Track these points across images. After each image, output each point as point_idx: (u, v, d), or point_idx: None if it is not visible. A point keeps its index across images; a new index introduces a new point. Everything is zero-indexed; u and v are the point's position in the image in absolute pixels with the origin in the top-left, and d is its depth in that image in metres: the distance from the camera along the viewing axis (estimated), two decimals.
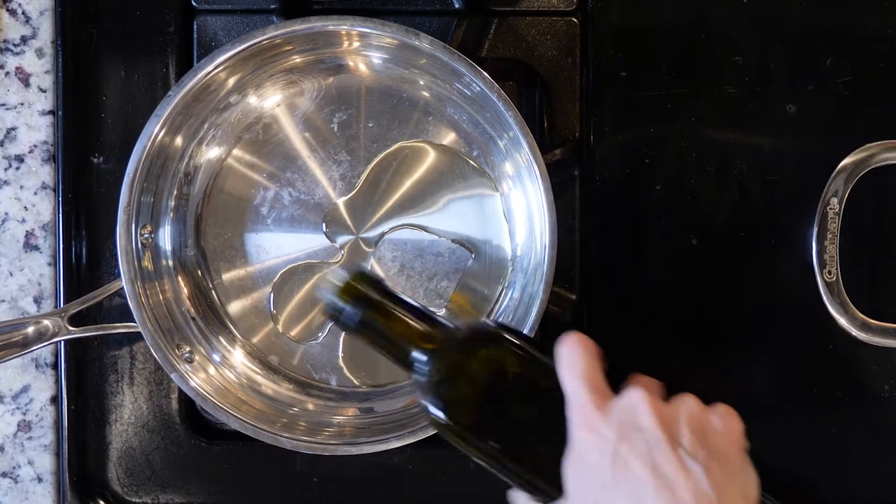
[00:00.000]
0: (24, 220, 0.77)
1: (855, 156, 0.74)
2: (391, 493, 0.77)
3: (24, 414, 0.77)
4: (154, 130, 0.69)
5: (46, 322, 0.70)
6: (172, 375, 0.70)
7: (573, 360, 0.57)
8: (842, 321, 0.74)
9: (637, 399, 0.55)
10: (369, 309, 0.60)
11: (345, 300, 0.60)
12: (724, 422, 0.56)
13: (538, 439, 0.58)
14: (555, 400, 0.57)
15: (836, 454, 0.76)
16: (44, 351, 0.77)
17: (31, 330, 0.70)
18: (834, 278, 0.74)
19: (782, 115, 0.75)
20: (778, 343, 0.76)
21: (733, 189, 0.75)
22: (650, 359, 0.76)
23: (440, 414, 0.58)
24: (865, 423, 0.76)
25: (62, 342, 0.75)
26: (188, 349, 0.73)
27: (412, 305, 0.61)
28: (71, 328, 0.70)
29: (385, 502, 0.78)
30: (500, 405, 0.59)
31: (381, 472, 0.76)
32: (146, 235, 0.72)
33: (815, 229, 0.74)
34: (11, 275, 0.77)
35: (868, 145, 0.74)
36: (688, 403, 0.56)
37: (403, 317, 0.60)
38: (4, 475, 0.78)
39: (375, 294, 0.60)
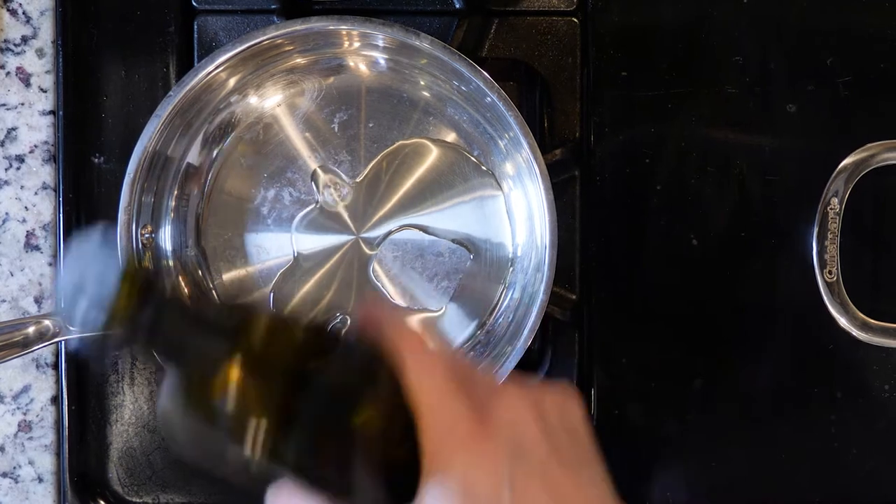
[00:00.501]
0: (24, 220, 0.77)
1: (855, 156, 0.74)
2: None
3: (25, 414, 0.78)
4: (154, 130, 0.69)
5: (47, 322, 0.70)
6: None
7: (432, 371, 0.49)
8: (842, 321, 0.74)
9: (521, 414, 0.49)
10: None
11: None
12: (575, 409, 0.52)
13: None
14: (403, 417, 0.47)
15: (836, 454, 0.76)
16: (44, 351, 0.77)
17: (31, 330, 0.70)
18: (834, 278, 0.74)
19: (782, 115, 0.75)
20: (778, 343, 0.76)
21: (733, 189, 0.75)
22: (650, 359, 0.76)
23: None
24: (865, 423, 0.76)
25: (63, 342, 0.75)
26: None
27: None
28: (72, 328, 0.70)
29: None
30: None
31: None
32: (146, 235, 0.72)
33: (816, 229, 0.74)
34: (12, 275, 0.77)
35: (869, 145, 0.74)
36: (549, 401, 0.51)
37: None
38: (5, 475, 0.78)
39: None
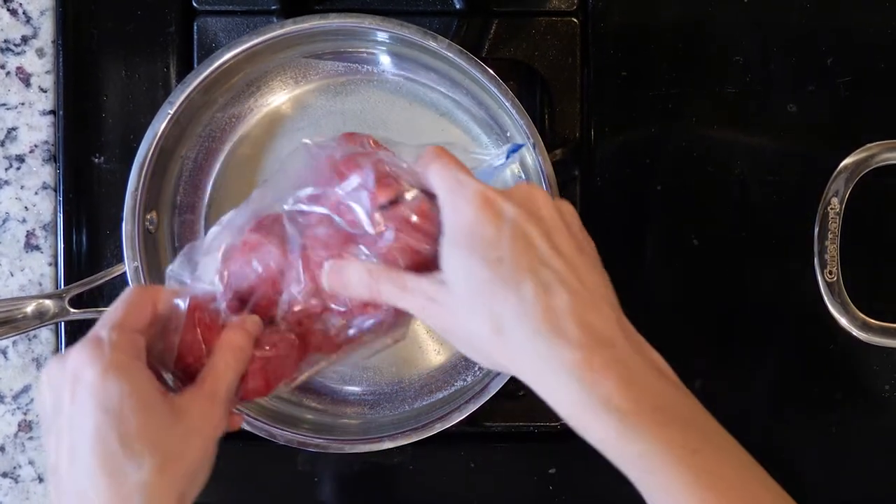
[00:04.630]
0: (24, 220, 0.77)
1: (856, 156, 0.74)
2: (391, 493, 0.77)
3: (25, 414, 0.77)
4: (168, 116, 0.69)
5: (47, 302, 0.70)
6: None
7: (449, 160, 0.56)
8: (842, 321, 0.74)
9: (535, 190, 0.55)
10: None
11: None
12: (575, 221, 0.57)
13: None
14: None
15: (836, 454, 0.76)
16: (45, 350, 0.77)
17: (30, 309, 0.69)
18: (835, 278, 0.74)
19: (782, 115, 0.75)
20: (778, 343, 0.76)
21: (734, 189, 0.75)
22: None
23: None
24: (865, 423, 0.76)
25: (62, 324, 0.74)
26: None
27: None
28: (71, 310, 0.70)
29: (385, 502, 0.78)
30: None
31: (381, 472, 0.76)
32: (151, 220, 0.72)
33: (816, 229, 0.74)
34: (12, 275, 0.77)
35: (869, 145, 0.74)
36: (566, 203, 0.56)
37: None
38: (5, 475, 0.78)
39: None
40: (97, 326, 0.55)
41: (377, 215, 0.56)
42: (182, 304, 0.57)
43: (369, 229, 0.56)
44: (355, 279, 0.56)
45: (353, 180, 0.57)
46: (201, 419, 0.54)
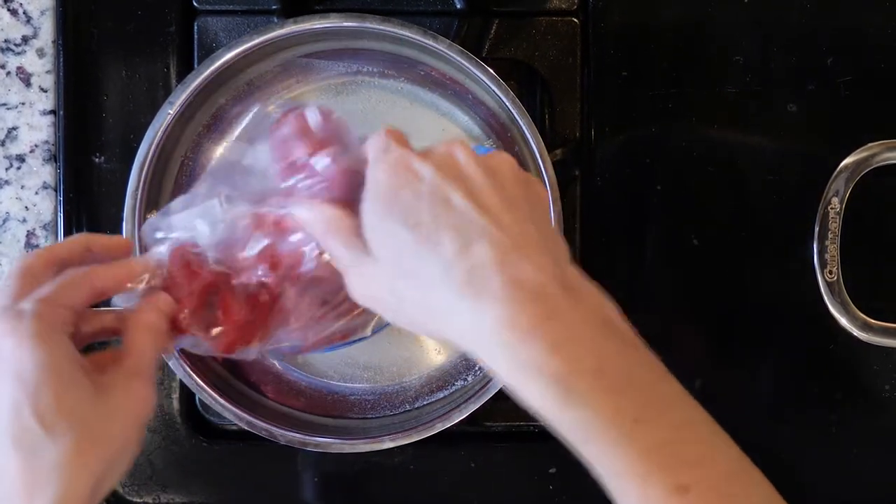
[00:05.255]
0: (25, 220, 0.77)
1: (856, 155, 0.74)
2: (391, 493, 0.77)
3: None
4: (168, 116, 0.69)
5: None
6: (171, 363, 0.70)
7: (388, 134, 0.53)
8: (843, 321, 0.74)
9: (456, 148, 0.51)
10: None
11: None
12: (538, 188, 0.53)
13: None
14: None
15: (836, 454, 0.76)
16: None
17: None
18: (835, 278, 0.74)
19: (783, 114, 0.75)
20: (779, 343, 0.76)
21: (734, 189, 0.76)
22: None
23: None
24: (865, 423, 0.76)
25: None
26: None
27: None
28: None
29: (385, 502, 0.78)
30: None
31: (381, 472, 0.76)
32: None
33: (816, 229, 0.74)
34: None
35: (869, 145, 0.74)
36: (507, 164, 0.52)
37: None
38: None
39: None
40: (24, 298, 0.51)
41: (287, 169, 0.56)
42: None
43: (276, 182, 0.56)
44: (309, 224, 0.54)
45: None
46: (125, 397, 0.52)
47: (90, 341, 0.56)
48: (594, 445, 0.47)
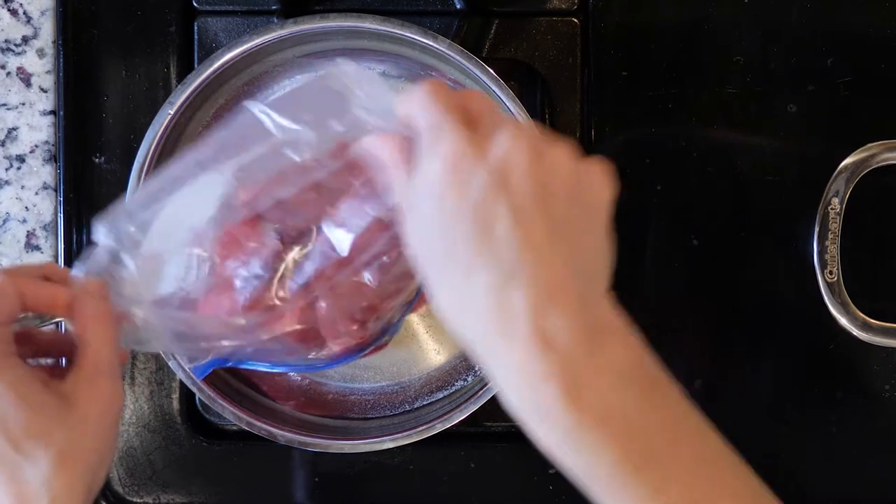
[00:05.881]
0: (25, 221, 0.77)
1: (856, 156, 0.74)
2: (391, 493, 0.77)
3: None
4: (168, 116, 0.69)
5: None
6: (170, 363, 0.70)
7: (437, 92, 0.49)
8: (843, 321, 0.74)
9: (518, 150, 0.47)
10: None
11: None
12: (596, 184, 0.50)
13: None
14: None
15: (836, 454, 0.76)
16: None
17: None
18: (835, 278, 0.74)
19: (783, 115, 0.75)
20: (779, 343, 0.76)
21: (734, 189, 0.76)
22: None
23: None
24: (865, 423, 0.76)
25: (62, 324, 0.74)
26: None
27: None
28: None
29: (385, 502, 0.78)
30: None
31: (381, 472, 0.76)
32: None
33: (816, 229, 0.74)
34: None
35: (869, 145, 0.74)
36: (565, 165, 0.48)
37: None
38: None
39: None
40: None
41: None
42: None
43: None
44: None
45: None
46: (91, 401, 0.51)
47: (41, 355, 0.56)
48: (594, 488, 0.47)
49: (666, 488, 0.46)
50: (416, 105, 0.49)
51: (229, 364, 0.62)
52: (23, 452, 0.49)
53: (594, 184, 0.50)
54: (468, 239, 0.46)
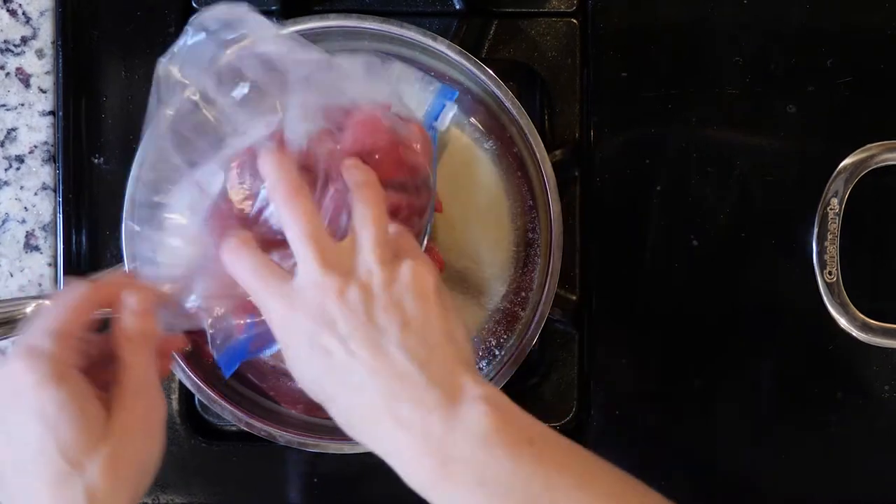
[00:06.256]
0: (24, 221, 0.77)
1: (855, 156, 0.74)
2: (390, 493, 0.77)
3: None
4: (168, 116, 0.69)
5: (47, 303, 0.69)
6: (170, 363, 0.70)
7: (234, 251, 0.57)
8: (842, 322, 0.74)
9: (318, 287, 0.54)
10: None
11: None
12: (416, 282, 0.55)
13: None
14: None
15: (836, 454, 0.76)
16: None
17: (30, 309, 0.69)
18: (834, 279, 0.74)
19: (782, 115, 0.75)
20: (778, 343, 0.76)
21: (733, 189, 0.75)
22: (650, 359, 0.76)
23: None
24: (865, 423, 0.76)
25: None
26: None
27: None
28: None
29: (385, 502, 0.78)
30: None
31: (380, 472, 0.76)
32: None
33: (816, 230, 0.74)
34: (12, 275, 0.77)
35: (868, 146, 0.74)
36: (369, 281, 0.55)
37: None
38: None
39: None
40: (34, 331, 0.55)
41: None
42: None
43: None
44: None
45: None
46: (135, 414, 0.55)
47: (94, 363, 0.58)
48: None
49: None
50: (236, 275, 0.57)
51: (254, 354, 0.63)
52: (74, 464, 0.52)
53: (417, 276, 0.55)
54: (319, 375, 0.54)
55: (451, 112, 0.66)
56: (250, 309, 0.59)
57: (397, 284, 0.54)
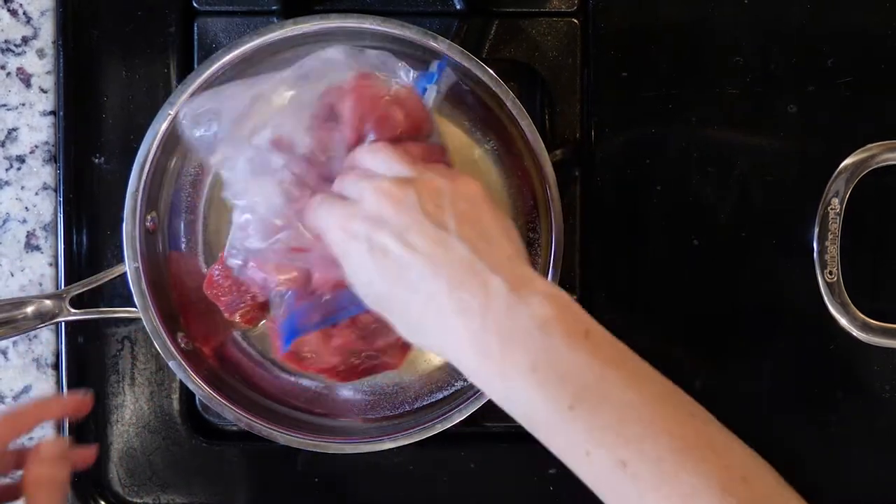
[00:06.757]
0: (25, 221, 0.77)
1: (856, 156, 0.74)
2: (391, 493, 0.77)
3: None
4: (168, 116, 0.69)
5: (48, 302, 0.70)
6: (171, 363, 0.70)
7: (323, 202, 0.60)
8: (843, 321, 0.74)
9: (380, 193, 0.56)
10: None
11: None
12: (461, 188, 0.57)
13: None
14: None
15: (836, 454, 0.76)
16: (45, 351, 0.77)
17: (31, 309, 0.69)
18: (835, 279, 0.74)
19: (783, 115, 0.75)
20: (779, 343, 0.76)
21: (734, 189, 0.76)
22: (650, 359, 0.76)
23: None
24: (865, 423, 0.76)
25: (62, 325, 0.74)
26: (187, 338, 0.73)
27: None
28: (72, 310, 0.70)
29: (385, 502, 0.78)
30: None
31: (381, 472, 0.77)
32: (152, 220, 0.72)
33: (816, 230, 0.74)
34: (12, 275, 0.77)
35: (869, 146, 0.74)
36: (423, 181, 0.57)
37: None
38: (5, 475, 0.77)
39: None
40: None
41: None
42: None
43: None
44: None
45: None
46: None
47: None
48: (540, 434, 0.54)
49: (601, 427, 0.51)
50: (308, 214, 0.60)
51: (317, 326, 0.65)
52: None
53: (461, 184, 0.58)
54: (379, 274, 0.55)
55: (433, 94, 0.66)
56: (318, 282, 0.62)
57: (448, 188, 0.56)
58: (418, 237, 0.55)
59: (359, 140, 0.62)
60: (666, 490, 0.50)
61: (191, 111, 0.64)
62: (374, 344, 0.67)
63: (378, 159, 0.59)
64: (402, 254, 0.54)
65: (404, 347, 0.68)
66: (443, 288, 0.54)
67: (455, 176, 0.58)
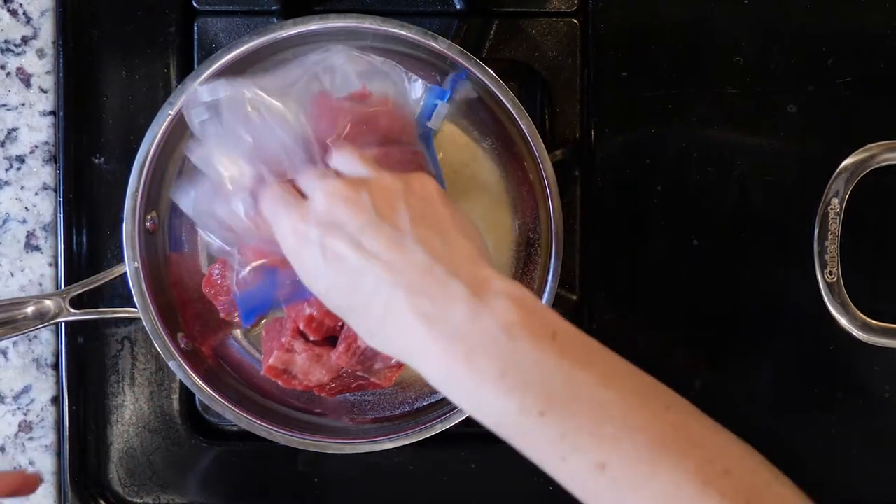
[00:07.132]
0: (24, 221, 0.77)
1: (856, 156, 0.74)
2: (391, 493, 0.77)
3: (25, 414, 0.78)
4: (168, 116, 0.69)
5: (48, 303, 0.70)
6: (171, 363, 0.70)
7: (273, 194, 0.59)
8: (843, 321, 0.74)
9: (333, 197, 0.55)
10: None
11: None
12: (416, 187, 0.56)
13: None
14: None
15: (836, 454, 0.76)
16: (45, 351, 0.77)
17: (31, 310, 0.69)
18: (835, 279, 0.74)
19: (783, 115, 0.75)
20: (779, 343, 0.76)
21: (734, 189, 0.76)
22: (650, 359, 0.76)
23: None
24: (865, 424, 0.76)
25: (62, 325, 0.74)
26: (187, 338, 0.73)
27: None
28: (72, 310, 0.70)
29: (385, 502, 0.78)
30: None
31: (381, 472, 0.77)
32: (152, 220, 0.72)
33: (816, 230, 0.74)
34: (12, 275, 0.77)
35: (869, 146, 0.74)
36: (376, 180, 0.56)
37: None
38: None
39: None
40: None
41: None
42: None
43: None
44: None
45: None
46: None
47: None
48: (515, 442, 0.52)
49: (574, 429, 0.50)
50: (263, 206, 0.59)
51: (278, 304, 0.65)
52: None
53: (416, 182, 0.57)
54: (334, 279, 0.54)
55: (444, 111, 0.67)
56: (278, 263, 0.61)
57: (403, 188, 0.55)
58: (373, 240, 0.53)
59: (325, 140, 0.61)
60: (646, 491, 0.49)
61: (194, 98, 0.63)
62: (373, 367, 0.67)
63: (341, 157, 0.59)
64: (357, 259, 0.53)
65: (398, 367, 0.69)
66: (401, 295, 0.52)
67: (415, 174, 0.57)
